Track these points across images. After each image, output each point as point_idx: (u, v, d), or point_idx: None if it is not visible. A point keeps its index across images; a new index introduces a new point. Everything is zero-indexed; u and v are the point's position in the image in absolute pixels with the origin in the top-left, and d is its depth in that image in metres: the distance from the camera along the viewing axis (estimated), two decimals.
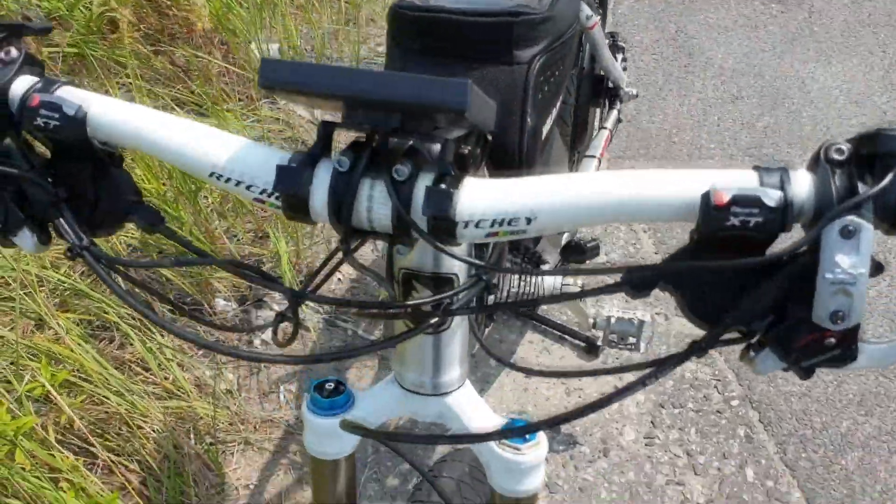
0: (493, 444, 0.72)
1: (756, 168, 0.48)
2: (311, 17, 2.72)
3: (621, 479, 1.62)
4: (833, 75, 2.49)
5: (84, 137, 0.58)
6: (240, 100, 2.41)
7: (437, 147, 0.52)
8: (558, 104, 0.80)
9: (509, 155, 0.70)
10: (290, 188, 0.53)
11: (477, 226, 0.52)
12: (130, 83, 2.21)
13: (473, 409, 0.73)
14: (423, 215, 0.52)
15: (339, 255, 0.58)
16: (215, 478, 1.68)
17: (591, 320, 1.61)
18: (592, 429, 1.73)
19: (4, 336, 1.61)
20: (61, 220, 0.59)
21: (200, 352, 1.90)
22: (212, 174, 0.56)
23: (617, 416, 1.75)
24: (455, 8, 0.67)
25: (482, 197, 0.52)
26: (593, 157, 1.63)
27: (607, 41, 1.60)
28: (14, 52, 0.59)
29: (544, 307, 1.92)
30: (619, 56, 1.71)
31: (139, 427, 1.66)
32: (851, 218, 0.45)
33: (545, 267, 1.34)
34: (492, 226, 0.52)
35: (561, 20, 0.73)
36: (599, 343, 1.73)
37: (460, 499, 0.89)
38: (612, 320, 1.63)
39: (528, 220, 0.51)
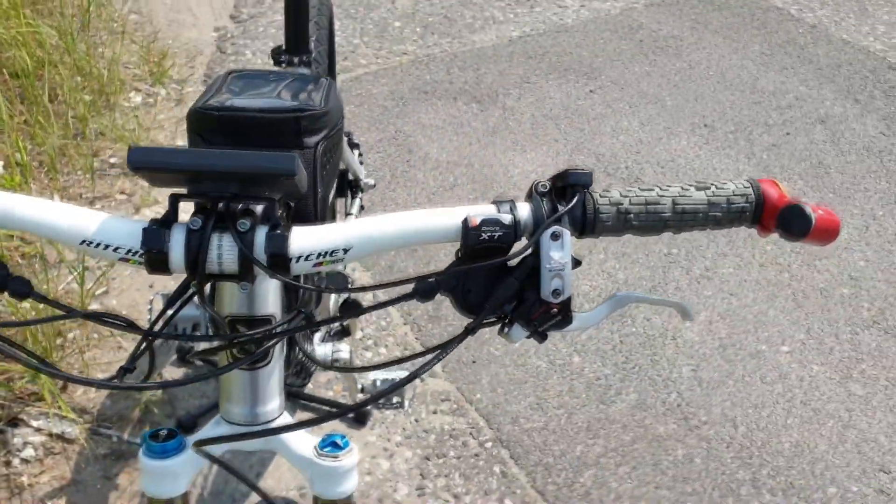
0: (313, 456, 0.86)
1: (495, 202, 0.71)
2: (36, 132, 2.69)
3: None
4: (529, 161, 2.92)
5: None
6: None
7: (264, 206, 0.69)
8: (336, 179, 0.98)
9: (308, 217, 0.87)
10: (154, 246, 0.66)
11: (306, 259, 0.69)
12: None
13: (294, 434, 0.87)
14: (265, 253, 0.67)
15: (183, 297, 0.72)
16: None
17: (360, 386, 1.78)
18: (369, 490, 1.87)
19: None
20: None
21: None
22: (83, 242, 0.67)
23: (390, 476, 1.91)
24: (252, 106, 0.85)
25: (308, 237, 0.69)
26: None
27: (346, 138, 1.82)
28: None
29: (310, 386, 2.05)
30: (356, 151, 1.93)
31: None
32: (557, 227, 0.68)
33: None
34: (318, 257, 0.69)
35: (334, 114, 0.92)
36: (368, 408, 1.89)
37: None
38: (378, 382, 1.81)
39: (345, 251, 0.69)
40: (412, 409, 2.05)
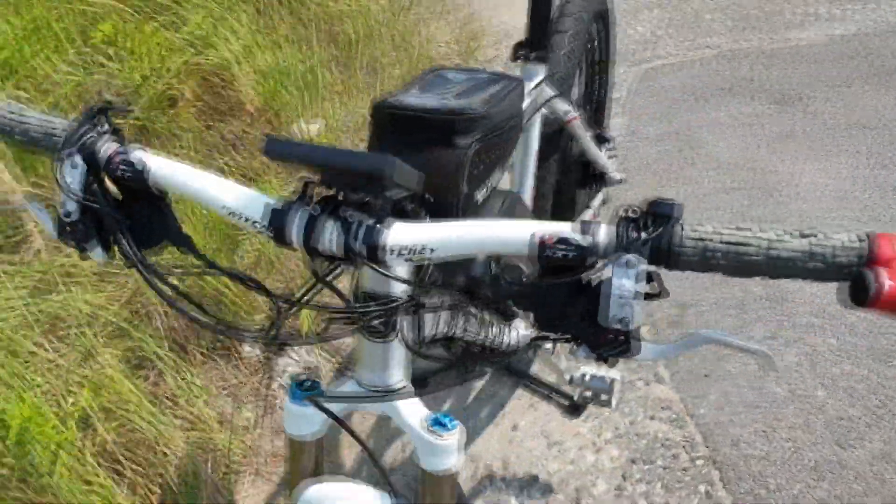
0: (422, 431, 0.93)
1: (578, 222, 0.71)
2: (348, 100, 3.02)
3: None
4: (821, 171, 2.69)
5: (145, 184, 0.82)
6: (279, 173, 2.69)
7: (379, 202, 0.76)
8: (496, 178, 1.02)
9: (450, 212, 0.93)
10: (278, 224, 0.77)
11: (399, 253, 0.75)
12: (186, 154, 2.50)
13: (410, 404, 0.94)
14: (363, 244, 0.75)
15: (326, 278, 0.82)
16: (226, 502, 1.89)
17: (568, 377, 1.81)
18: (568, 479, 1.90)
19: (58, 363, 1.86)
20: (122, 240, 0.83)
21: (225, 390, 2.13)
22: (228, 213, 0.80)
23: (592, 470, 1.92)
24: (418, 106, 0.92)
25: (403, 234, 0.75)
26: None
27: (593, 132, 1.83)
28: (106, 125, 0.85)
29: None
30: (606, 146, 1.94)
31: (164, 453, 1.88)
32: (629, 256, 0.67)
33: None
34: (408, 253, 0.75)
35: (498, 117, 0.96)
36: (576, 399, 1.92)
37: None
38: (587, 377, 1.82)
39: (431, 250, 0.74)
40: (629, 410, 2.03)
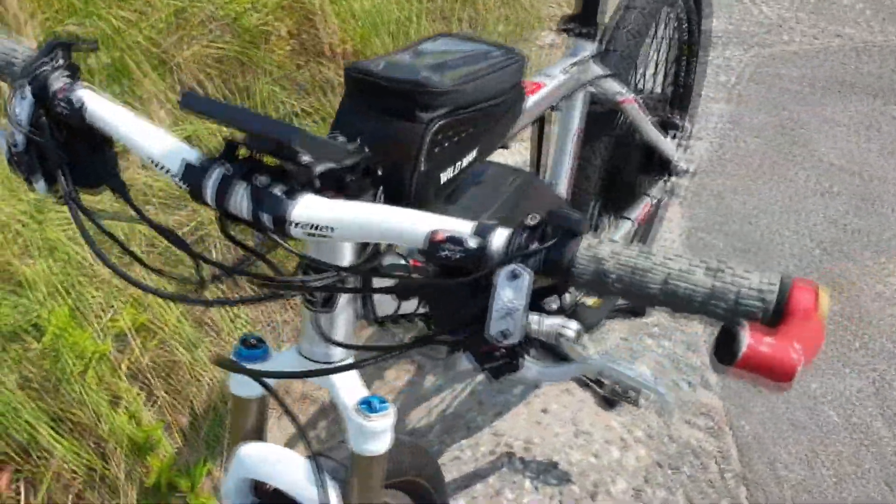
0: (351, 411, 0.90)
1: (478, 223, 0.65)
2: None
3: None
4: None
5: (83, 123, 0.82)
6: None
7: (295, 169, 0.72)
8: (467, 159, 0.96)
9: (403, 190, 0.88)
10: (191, 181, 0.75)
11: (300, 227, 0.71)
12: (272, 90, 2.54)
13: (348, 380, 0.92)
14: (269, 213, 0.72)
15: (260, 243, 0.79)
16: None
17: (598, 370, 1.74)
18: (588, 472, 1.84)
19: (105, 278, 1.93)
20: (60, 175, 0.84)
21: (269, 326, 2.17)
22: (151, 161, 0.79)
23: (615, 466, 1.85)
24: (387, 75, 0.87)
25: (306, 208, 0.71)
26: (628, 219, 1.76)
27: (659, 117, 1.72)
28: (61, 60, 0.85)
29: None
30: (672, 132, 1.82)
31: (197, 379, 1.94)
32: (515, 266, 0.61)
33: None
34: (309, 228, 0.71)
35: (473, 93, 0.89)
36: (604, 391, 1.84)
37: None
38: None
39: (332, 230, 0.70)
40: (667, 415, 1.94)
